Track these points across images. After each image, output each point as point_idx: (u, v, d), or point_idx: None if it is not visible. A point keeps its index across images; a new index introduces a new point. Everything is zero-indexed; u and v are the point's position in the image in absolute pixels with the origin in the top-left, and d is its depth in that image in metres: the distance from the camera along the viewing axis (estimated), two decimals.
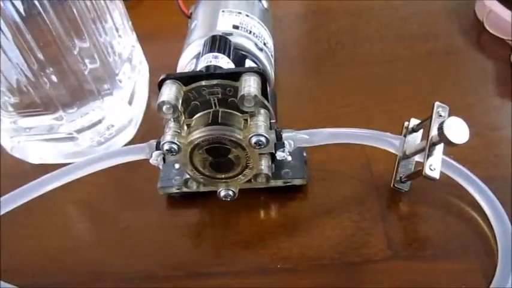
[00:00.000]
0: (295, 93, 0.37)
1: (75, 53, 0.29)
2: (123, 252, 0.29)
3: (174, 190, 0.30)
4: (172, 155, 0.25)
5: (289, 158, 0.30)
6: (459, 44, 0.40)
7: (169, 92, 0.24)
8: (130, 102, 0.34)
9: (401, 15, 0.44)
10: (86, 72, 0.30)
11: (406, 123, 0.29)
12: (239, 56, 0.29)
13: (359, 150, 0.31)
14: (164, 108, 0.24)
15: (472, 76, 0.37)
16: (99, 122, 0.33)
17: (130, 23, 0.36)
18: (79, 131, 0.33)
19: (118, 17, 0.34)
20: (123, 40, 0.34)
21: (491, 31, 0.39)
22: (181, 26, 0.38)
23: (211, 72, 0.25)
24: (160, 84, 0.25)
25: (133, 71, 0.35)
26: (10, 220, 0.28)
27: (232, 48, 0.28)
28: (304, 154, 0.31)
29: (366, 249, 0.27)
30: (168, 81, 0.25)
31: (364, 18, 0.44)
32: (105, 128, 0.33)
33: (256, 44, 0.30)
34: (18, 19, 0.27)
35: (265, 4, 0.36)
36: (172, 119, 0.25)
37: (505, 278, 0.23)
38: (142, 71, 0.37)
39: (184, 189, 0.30)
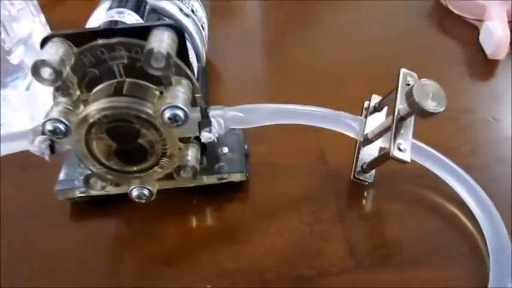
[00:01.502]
0: (239, 81, 0.32)
1: None
2: (24, 275, 0.23)
3: (78, 194, 0.24)
4: (58, 138, 0.19)
5: (226, 149, 0.25)
6: (421, 26, 0.36)
7: (54, 51, 0.18)
8: (27, 88, 0.28)
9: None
10: None
11: (366, 103, 0.25)
12: (156, 19, 0.23)
13: (311, 138, 0.26)
14: (44, 72, 0.18)
15: (439, 58, 0.33)
16: None
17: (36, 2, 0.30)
18: None
19: None
20: (22, 20, 0.28)
21: (456, 12, 0.35)
22: None
23: (109, 28, 0.19)
24: (42, 44, 0.19)
25: (31, 53, 0.29)
26: None
27: (147, 8, 0.23)
28: (245, 146, 0.26)
29: (321, 259, 0.22)
30: (54, 40, 0.19)
31: (314, 4, 0.40)
32: None
33: (181, 9, 0.25)
34: None
35: None
36: (61, 92, 0.19)
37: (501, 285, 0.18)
38: None
39: (91, 192, 0.23)
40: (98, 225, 0.25)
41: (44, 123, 0.19)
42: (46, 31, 0.32)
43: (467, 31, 0.34)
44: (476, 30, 0.34)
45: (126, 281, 0.23)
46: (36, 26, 0.31)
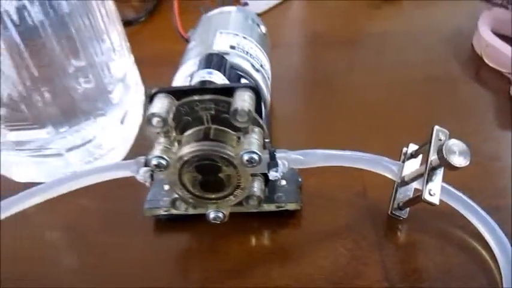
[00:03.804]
0: (291, 119, 0.36)
1: (70, 71, 0.29)
2: (104, 278, 0.28)
3: (162, 212, 0.29)
4: (160, 170, 0.24)
5: (283, 182, 0.29)
6: (457, 73, 0.40)
7: (161, 105, 0.24)
8: (122, 122, 0.34)
9: (397, 43, 0.44)
10: (79, 91, 0.30)
11: (404, 149, 0.28)
12: (235, 75, 0.28)
13: (355, 176, 0.30)
14: (154, 120, 0.23)
15: (471, 105, 0.36)
16: (90, 140, 0.32)
17: (128, 44, 0.36)
18: (68, 150, 0.32)
19: (116, 38, 0.34)
20: (119, 61, 0.34)
21: (490, 64, 0.39)
22: (181, 53, 0.38)
23: (204, 87, 0.24)
24: (151, 98, 0.24)
25: (128, 92, 0.35)
26: None
27: (228, 66, 0.28)
28: (300, 179, 0.30)
29: (360, 281, 0.26)
30: (160, 95, 0.24)
31: (359, 46, 0.44)
32: (95, 146, 0.32)
33: (253, 65, 0.30)
34: (15, 34, 0.27)
35: (263, 29, 0.36)
36: (162, 134, 0.25)
37: None
38: (138, 92, 0.37)
39: (173, 212, 0.28)
40: (174, 239, 0.29)
41: (150, 159, 0.24)
42: (135, 70, 0.38)
43: (500, 82, 0.38)
44: (508, 82, 0.37)
45: None
46: (129, 65, 0.37)
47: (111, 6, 0.34)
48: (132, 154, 0.35)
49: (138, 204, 0.29)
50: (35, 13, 0.27)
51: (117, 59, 0.34)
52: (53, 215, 0.31)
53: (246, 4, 0.51)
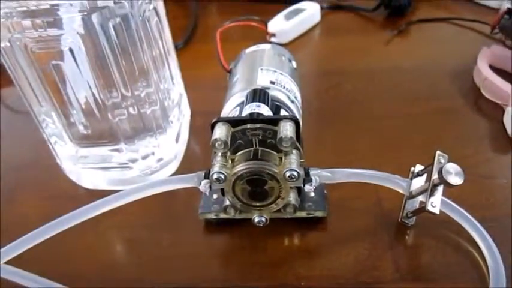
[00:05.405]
0: (316, 140, 0.42)
1: (142, 95, 0.36)
2: (161, 267, 0.34)
3: (212, 216, 0.35)
4: (219, 183, 0.31)
5: (312, 194, 0.36)
6: (459, 104, 0.46)
7: (221, 131, 0.30)
8: (176, 140, 0.40)
9: (408, 77, 0.50)
10: (148, 112, 0.36)
11: (412, 169, 0.35)
12: (275, 106, 0.35)
13: (371, 189, 0.35)
14: (217, 144, 0.30)
15: (470, 132, 0.42)
16: (151, 154, 0.38)
17: (180, 73, 0.43)
18: (133, 161, 0.38)
19: (173, 68, 0.40)
20: (175, 87, 0.41)
21: (486, 96, 0.45)
22: (218, 78, 0.45)
23: (255, 118, 0.31)
24: (213, 125, 0.31)
25: (181, 115, 0.42)
26: (66, 235, 0.32)
27: (270, 99, 0.34)
28: (325, 191, 0.36)
29: (376, 272, 0.31)
30: (220, 123, 0.31)
31: (376, 79, 0.51)
32: (155, 160, 0.39)
33: (288, 97, 0.36)
34: (112, 59, 0.33)
35: (294, 64, 0.42)
36: (220, 154, 0.31)
37: None
38: (186, 115, 0.44)
39: (221, 216, 0.35)
40: (220, 238, 0.35)
41: (212, 174, 0.30)
42: (185, 95, 0.45)
43: (495, 112, 0.43)
44: (502, 112, 0.43)
45: (237, 276, 0.32)
46: (182, 91, 0.43)
47: (169, 37, 0.40)
48: (182, 168, 0.41)
49: (188, 209, 0.36)
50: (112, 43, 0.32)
51: (174, 86, 0.41)
52: (119, 215, 0.37)
53: (273, 35, 0.58)
